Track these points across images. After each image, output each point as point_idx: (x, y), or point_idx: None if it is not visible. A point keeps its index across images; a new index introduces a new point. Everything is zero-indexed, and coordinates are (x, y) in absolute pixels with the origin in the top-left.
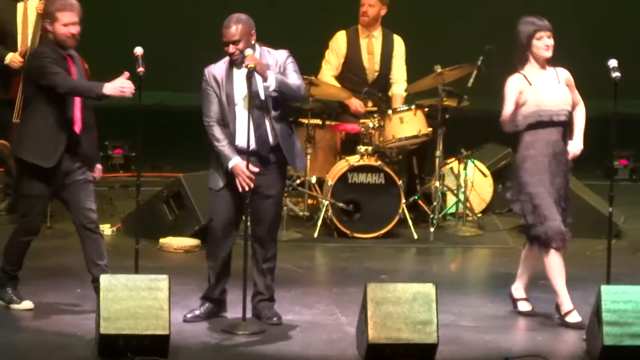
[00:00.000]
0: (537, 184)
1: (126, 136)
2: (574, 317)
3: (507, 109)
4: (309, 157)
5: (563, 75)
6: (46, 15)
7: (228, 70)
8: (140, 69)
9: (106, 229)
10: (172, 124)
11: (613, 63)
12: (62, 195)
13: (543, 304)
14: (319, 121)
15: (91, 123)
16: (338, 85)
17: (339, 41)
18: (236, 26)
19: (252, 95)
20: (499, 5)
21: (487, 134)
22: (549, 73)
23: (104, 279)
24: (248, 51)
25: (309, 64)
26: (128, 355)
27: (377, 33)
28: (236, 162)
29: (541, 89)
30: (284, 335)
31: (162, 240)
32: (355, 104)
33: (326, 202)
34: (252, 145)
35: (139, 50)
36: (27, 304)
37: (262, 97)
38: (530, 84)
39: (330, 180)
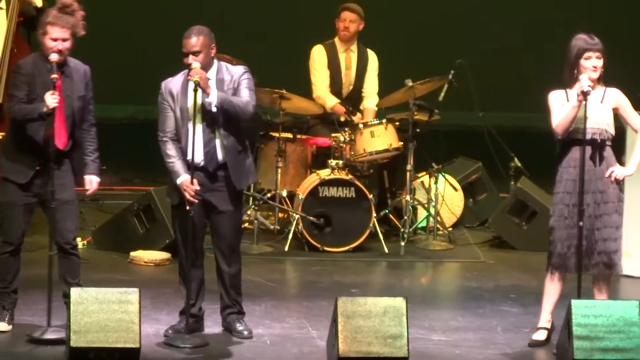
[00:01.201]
0: (557, 201)
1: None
2: (535, 335)
3: (555, 119)
4: (279, 170)
5: (612, 96)
6: (40, 26)
7: (184, 84)
8: (54, 75)
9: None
10: (142, 137)
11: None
12: (44, 211)
13: (513, 318)
14: (290, 135)
15: (84, 139)
16: (336, 100)
17: (321, 55)
18: (197, 37)
19: (202, 109)
20: (470, 20)
21: (458, 148)
22: (595, 92)
23: (74, 292)
24: (195, 64)
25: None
26: None
27: (354, 47)
28: (184, 178)
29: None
30: (255, 349)
31: (132, 254)
32: (342, 110)
33: (297, 216)
34: (201, 161)
35: (54, 57)
36: (2, 326)
37: (214, 111)
38: (567, 100)
39: (301, 194)
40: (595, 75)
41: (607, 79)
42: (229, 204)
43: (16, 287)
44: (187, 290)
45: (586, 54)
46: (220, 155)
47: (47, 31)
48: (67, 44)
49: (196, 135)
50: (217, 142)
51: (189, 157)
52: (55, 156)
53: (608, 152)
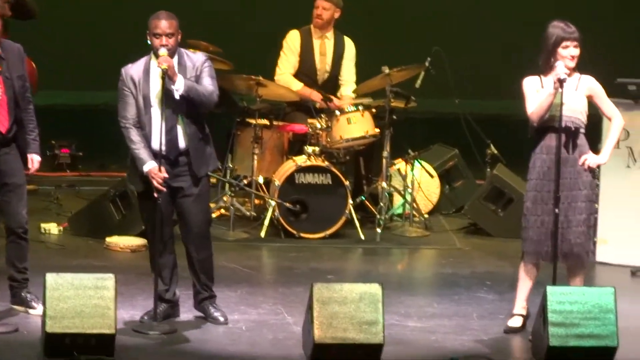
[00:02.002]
0: (530, 187)
1: (73, 136)
2: (510, 321)
3: (530, 106)
4: (256, 157)
5: (586, 84)
6: None
7: (146, 70)
8: None
9: (53, 228)
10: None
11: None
12: None
13: (489, 304)
14: (266, 121)
15: (24, 118)
16: (300, 84)
17: (294, 40)
18: (170, 21)
19: (165, 97)
20: (446, 7)
21: (434, 135)
22: (570, 79)
23: (50, 278)
24: (162, 51)
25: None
26: (74, 354)
27: (330, 34)
28: (151, 166)
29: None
30: (230, 335)
31: (108, 239)
32: (319, 97)
33: (273, 202)
34: (163, 149)
35: None
36: None
37: (177, 98)
38: (542, 87)
39: (278, 181)
40: (572, 64)
41: (583, 65)
42: (193, 189)
43: None
44: (156, 277)
45: (564, 43)
46: (182, 143)
47: None
48: None
49: (157, 122)
50: (179, 129)
51: (154, 144)
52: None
53: (582, 139)
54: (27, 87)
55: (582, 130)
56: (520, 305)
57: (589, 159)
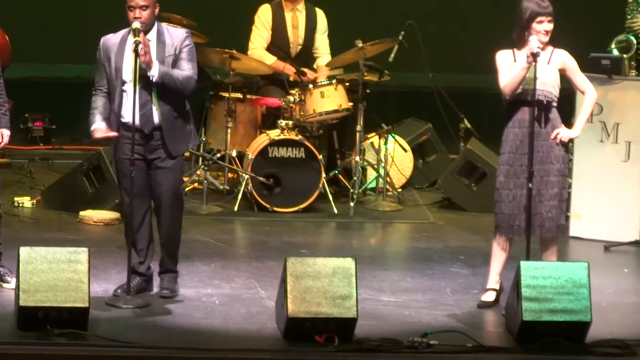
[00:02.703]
0: (503, 161)
1: (46, 109)
2: (484, 296)
3: (503, 80)
4: (229, 130)
5: (559, 57)
6: None
7: (121, 43)
8: None
9: (26, 202)
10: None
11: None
12: None
13: (462, 279)
14: (239, 95)
15: None
16: (273, 58)
17: (265, 14)
18: None
19: (140, 71)
20: None
21: (408, 109)
22: (543, 53)
23: (23, 251)
24: (135, 24)
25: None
26: (47, 327)
27: (301, 7)
28: (96, 125)
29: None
30: (203, 309)
31: (82, 213)
32: (292, 70)
33: (246, 176)
34: (137, 122)
35: None
36: None
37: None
38: (515, 60)
39: (251, 154)
40: (546, 39)
41: (556, 39)
42: (166, 162)
43: None
44: (129, 249)
45: (538, 18)
46: (156, 119)
47: None
48: None
49: (131, 95)
50: (154, 105)
51: (127, 117)
52: None
53: (554, 113)
54: None
55: (555, 104)
56: (493, 280)
57: (562, 132)
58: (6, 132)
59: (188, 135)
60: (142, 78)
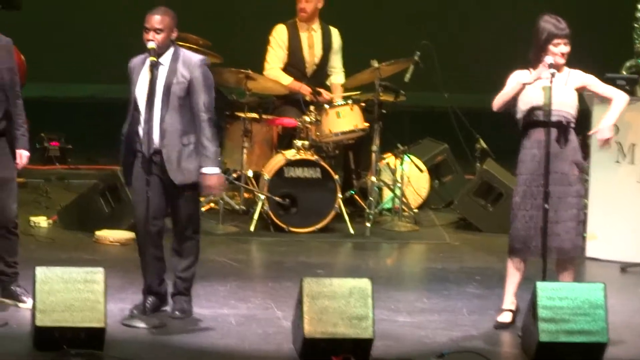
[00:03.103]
0: (520, 182)
1: (62, 128)
2: (500, 317)
3: (500, 93)
4: (245, 150)
5: (576, 78)
6: None
7: (141, 64)
8: None
9: (42, 222)
10: (105, 117)
11: (549, 60)
12: None
13: (478, 300)
14: (255, 115)
15: (16, 114)
16: (290, 78)
17: (281, 34)
18: (162, 16)
19: (153, 92)
20: (436, 1)
21: (424, 130)
22: (560, 75)
23: (40, 271)
24: (151, 44)
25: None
26: (64, 347)
27: (316, 26)
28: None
29: (538, 88)
30: (220, 329)
31: (98, 233)
32: (308, 90)
33: (262, 196)
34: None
35: None
36: None
37: (160, 95)
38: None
39: (267, 174)
40: (563, 61)
41: (571, 60)
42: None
43: None
44: (143, 268)
45: (555, 40)
46: (156, 141)
47: None
48: None
49: (141, 115)
50: (156, 126)
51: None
52: None
53: (572, 134)
54: (17, 80)
55: (572, 125)
56: (509, 301)
57: (600, 130)
58: (25, 153)
59: (185, 169)
60: (152, 98)
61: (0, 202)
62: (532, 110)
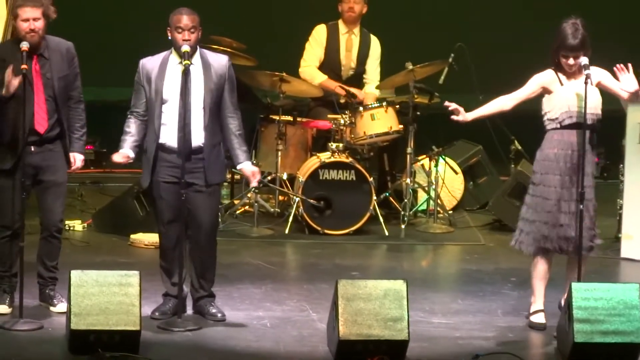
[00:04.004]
0: (546, 182)
1: (97, 132)
2: (536, 318)
3: (517, 91)
4: (280, 153)
5: (596, 76)
6: (11, 12)
7: (162, 65)
8: (24, 66)
9: (77, 225)
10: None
11: (584, 60)
12: (35, 194)
13: (513, 301)
14: (290, 118)
15: (71, 116)
16: (324, 76)
17: (320, 34)
18: (192, 16)
19: (183, 93)
20: (470, 2)
21: (458, 131)
22: (581, 79)
23: (75, 275)
24: (185, 47)
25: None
26: (99, 350)
27: (357, 31)
28: (121, 151)
29: (571, 90)
30: (255, 331)
31: (132, 236)
32: (342, 91)
33: (297, 199)
34: (175, 145)
35: (24, 46)
36: (2, 309)
37: (195, 97)
38: (561, 84)
39: (301, 177)
40: (571, 71)
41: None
42: (205, 186)
43: (16, 270)
44: (165, 273)
45: (563, 53)
46: (195, 142)
47: (17, 14)
48: (40, 24)
49: (171, 117)
50: (194, 127)
51: (164, 139)
52: (39, 140)
53: (594, 135)
54: (76, 86)
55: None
56: (540, 300)
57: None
58: (79, 157)
59: (222, 166)
60: (186, 99)
61: (48, 205)
62: (568, 112)
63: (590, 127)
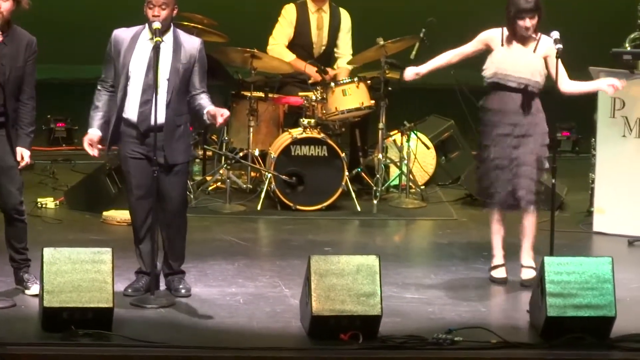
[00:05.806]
0: (485, 139)
1: (68, 110)
2: (497, 273)
3: (463, 46)
4: (251, 129)
5: (545, 45)
6: None
7: (134, 38)
8: None
9: (49, 203)
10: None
11: (555, 35)
12: None
13: (486, 275)
14: (261, 94)
15: (21, 112)
16: (293, 55)
17: (290, 13)
18: None
19: (153, 70)
20: None
21: (430, 107)
22: (532, 40)
23: (47, 252)
24: (156, 24)
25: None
26: (72, 328)
27: (326, 7)
28: (90, 132)
29: (508, 53)
30: (228, 307)
31: (105, 213)
32: (313, 70)
33: (269, 175)
34: (135, 119)
35: None
36: None
37: (161, 75)
38: (502, 44)
39: (273, 153)
40: (529, 34)
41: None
42: (165, 166)
43: None
44: (138, 250)
45: (520, 15)
46: (154, 119)
47: None
48: (7, 5)
49: (135, 92)
50: (154, 106)
51: (128, 114)
52: None
53: (537, 102)
54: (29, 82)
55: (537, 93)
56: (500, 255)
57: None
58: (26, 152)
59: (187, 146)
60: (151, 76)
61: (3, 189)
62: (496, 74)
63: (520, 91)
